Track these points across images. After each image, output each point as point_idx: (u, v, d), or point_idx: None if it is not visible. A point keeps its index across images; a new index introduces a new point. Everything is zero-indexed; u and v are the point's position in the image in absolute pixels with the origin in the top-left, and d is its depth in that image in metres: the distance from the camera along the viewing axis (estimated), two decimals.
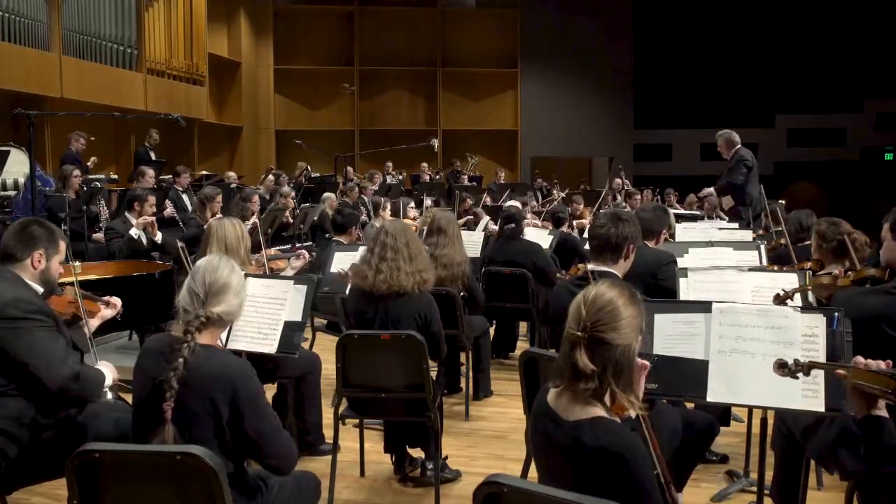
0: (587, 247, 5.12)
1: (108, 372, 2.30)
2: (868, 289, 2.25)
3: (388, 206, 6.62)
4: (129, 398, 2.18)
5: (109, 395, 2.27)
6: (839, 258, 2.73)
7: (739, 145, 6.05)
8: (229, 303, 1.80)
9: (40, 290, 2.25)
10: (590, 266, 2.46)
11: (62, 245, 2.31)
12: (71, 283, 2.47)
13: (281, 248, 5.79)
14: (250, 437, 1.72)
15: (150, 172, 6.60)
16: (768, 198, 5.01)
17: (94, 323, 2.50)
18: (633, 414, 1.53)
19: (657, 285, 2.91)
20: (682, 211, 7.29)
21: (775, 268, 3.20)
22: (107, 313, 2.52)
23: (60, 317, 2.30)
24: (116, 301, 2.56)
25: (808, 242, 3.35)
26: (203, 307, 1.77)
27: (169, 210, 6.06)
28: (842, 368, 1.63)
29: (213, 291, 1.78)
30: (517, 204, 5.43)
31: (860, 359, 1.65)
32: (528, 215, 6.08)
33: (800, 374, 1.62)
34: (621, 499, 1.43)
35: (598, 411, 1.47)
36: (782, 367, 1.63)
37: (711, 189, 6.29)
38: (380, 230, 2.83)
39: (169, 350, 1.72)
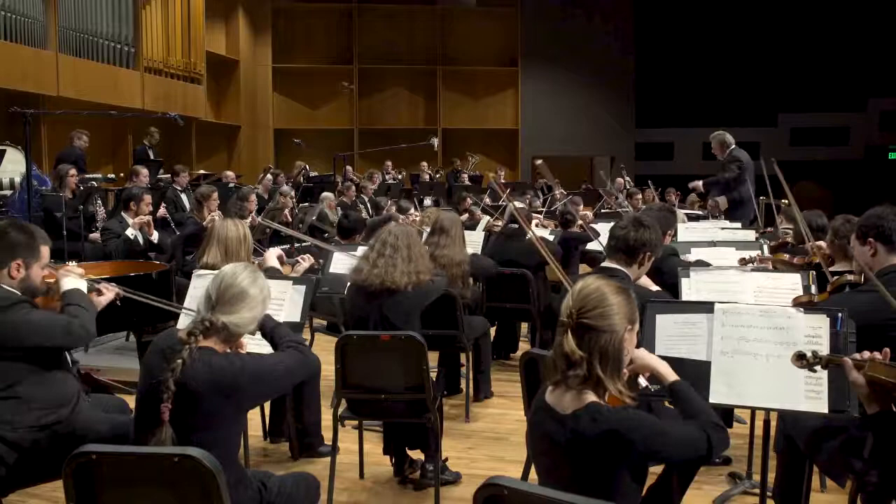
0: (589, 245, 5.14)
1: (75, 281, 2.26)
2: (854, 291, 2.29)
3: (412, 209, 6.56)
4: (128, 399, 2.16)
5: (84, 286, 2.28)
6: (849, 257, 2.71)
7: (734, 146, 6.09)
8: (240, 315, 1.76)
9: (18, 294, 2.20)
10: (603, 264, 2.45)
11: (44, 251, 2.22)
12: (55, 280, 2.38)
13: (280, 248, 5.76)
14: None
15: (144, 171, 6.56)
16: (772, 197, 5.00)
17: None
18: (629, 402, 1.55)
19: (663, 281, 2.89)
20: (684, 210, 7.26)
21: (785, 256, 3.18)
22: (102, 300, 2.42)
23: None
24: (110, 287, 2.46)
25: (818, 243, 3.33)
26: (211, 312, 1.74)
27: (161, 211, 6.04)
28: (859, 362, 1.62)
29: (226, 298, 1.75)
30: (521, 204, 5.38)
31: (877, 354, 1.64)
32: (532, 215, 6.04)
33: (817, 367, 1.62)
34: (647, 460, 1.49)
35: (592, 397, 1.49)
36: (801, 359, 1.62)
37: (699, 182, 6.32)
38: (384, 229, 2.83)
39: (170, 351, 1.70)
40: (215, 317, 1.73)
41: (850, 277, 2.39)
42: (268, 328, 1.96)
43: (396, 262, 2.68)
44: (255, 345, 2.45)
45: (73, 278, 2.28)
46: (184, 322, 2.45)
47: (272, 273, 2.80)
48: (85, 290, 2.29)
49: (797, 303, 2.49)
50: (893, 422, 1.58)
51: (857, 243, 2.27)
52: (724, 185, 6.04)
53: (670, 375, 1.65)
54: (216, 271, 1.88)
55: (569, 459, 1.49)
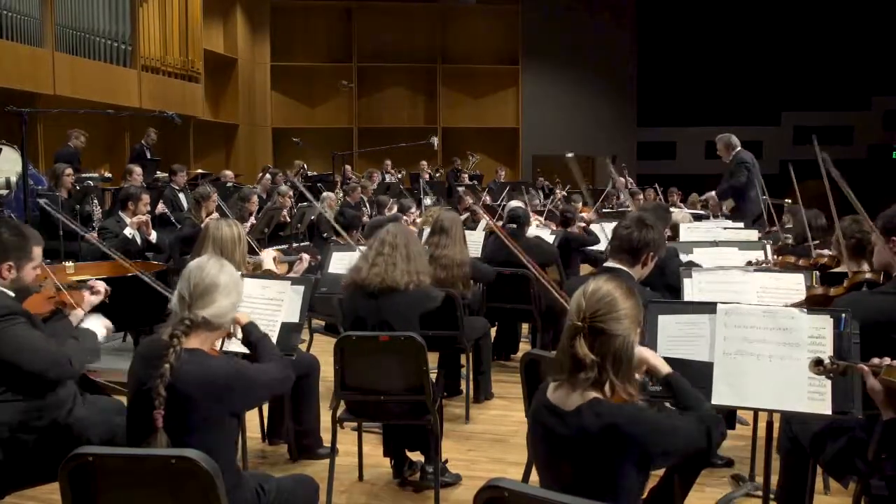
0: (593, 247, 5.13)
1: (100, 325, 2.31)
2: (871, 291, 2.23)
3: (413, 208, 6.54)
4: (125, 400, 2.14)
5: (102, 335, 2.30)
6: (856, 257, 2.69)
7: (739, 148, 6.09)
8: (218, 305, 1.76)
9: (11, 294, 2.19)
10: (606, 263, 2.43)
11: (35, 251, 2.23)
12: (46, 278, 2.40)
13: (278, 247, 5.74)
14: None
15: (138, 170, 6.54)
16: (774, 197, 4.99)
17: (80, 313, 2.39)
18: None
19: (666, 283, 2.87)
20: (686, 210, 7.25)
21: (791, 259, 3.15)
22: (93, 299, 2.41)
23: (40, 315, 2.26)
24: (99, 285, 2.45)
25: (816, 243, 3.32)
26: (189, 310, 1.73)
27: (159, 207, 6.01)
28: (875, 367, 1.60)
29: (199, 293, 1.75)
30: (522, 205, 5.36)
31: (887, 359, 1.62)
32: (532, 215, 6.01)
33: (832, 374, 1.61)
34: (649, 454, 1.47)
35: (596, 394, 1.49)
36: (818, 365, 1.61)
37: (713, 193, 6.33)
38: (382, 229, 2.82)
39: (157, 356, 1.68)
40: (194, 314, 1.73)
41: (868, 276, 2.35)
42: (253, 338, 1.96)
43: (396, 260, 2.67)
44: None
45: (100, 324, 2.32)
46: None
47: (269, 275, 2.78)
48: (102, 336, 2.32)
49: (812, 294, 2.47)
50: None
51: (881, 241, 2.21)
52: (735, 190, 6.07)
53: (664, 368, 1.67)
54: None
55: (571, 456, 1.49)
